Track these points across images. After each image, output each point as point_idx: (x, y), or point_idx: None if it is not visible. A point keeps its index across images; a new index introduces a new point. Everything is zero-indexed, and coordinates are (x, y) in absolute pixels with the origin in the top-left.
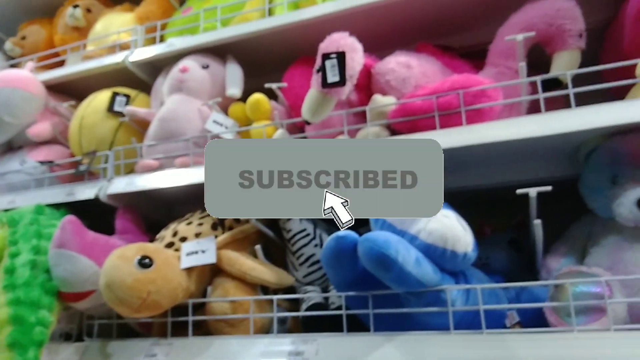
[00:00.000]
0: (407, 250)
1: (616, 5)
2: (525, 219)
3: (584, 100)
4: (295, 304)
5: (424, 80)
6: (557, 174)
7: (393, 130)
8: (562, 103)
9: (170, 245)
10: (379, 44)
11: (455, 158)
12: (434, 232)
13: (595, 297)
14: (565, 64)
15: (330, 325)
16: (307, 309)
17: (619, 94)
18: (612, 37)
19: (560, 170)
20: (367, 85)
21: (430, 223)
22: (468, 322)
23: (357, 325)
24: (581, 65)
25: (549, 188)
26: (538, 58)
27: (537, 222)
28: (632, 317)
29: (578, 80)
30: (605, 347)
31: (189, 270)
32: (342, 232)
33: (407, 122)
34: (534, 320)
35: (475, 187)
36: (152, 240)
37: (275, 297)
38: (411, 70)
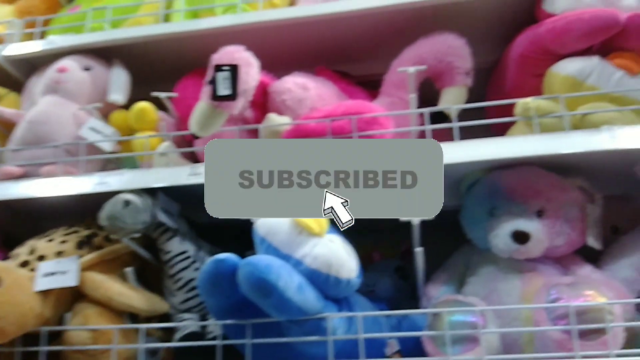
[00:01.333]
0: (289, 275)
1: (502, 48)
2: (413, 247)
3: (471, 135)
4: (171, 334)
5: (320, 103)
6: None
7: None
8: (450, 136)
9: (25, 264)
10: (278, 64)
11: None
12: (319, 257)
13: (469, 326)
14: (452, 99)
15: (207, 356)
16: (181, 339)
17: (502, 131)
18: (496, 78)
19: (445, 200)
20: (264, 104)
21: (316, 248)
22: (349, 350)
23: (237, 356)
24: (469, 102)
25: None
26: (432, 92)
27: (419, 250)
28: (505, 347)
29: (466, 115)
30: None
31: (45, 293)
32: (221, 255)
33: None
34: (415, 349)
35: None
36: (6, 257)
37: (143, 325)
38: (308, 92)
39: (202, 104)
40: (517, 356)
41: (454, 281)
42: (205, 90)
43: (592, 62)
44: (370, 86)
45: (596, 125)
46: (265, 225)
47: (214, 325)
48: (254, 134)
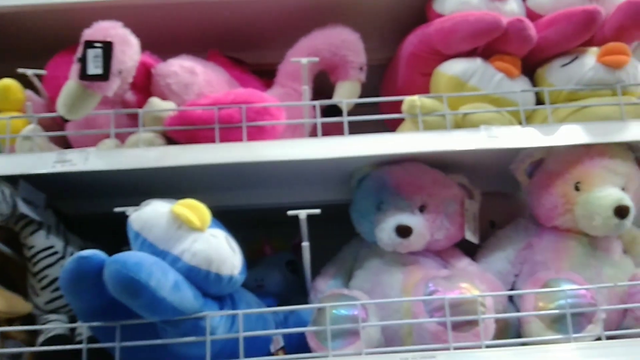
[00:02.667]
0: (163, 273)
1: (396, 45)
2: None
3: (366, 130)
4: (36, 337)
5: (208, 89)
6: (337, 198)
7: (170, 138)
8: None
9: None
10: (166, 45)
11: (235, 174)
12: (199, 253)
13: (351, 320)
14: (345, 93)
15: None
16: (44, 343)
17: (397, 127)
18: (389, 75)
19: (338, 194)
20: (147, 87)
21: (196, 243)
22: (232, 349)
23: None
24: (364, 97)
25: (317, 211)
26: (329, 85)
27: (305, 245)
28: (387, 339)
29: (363, 111)
30: None
31: None
32: (85, 252)
33: (185, 131)
34: (301, 344)
35: (259, 206)
36: None
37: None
38: (195, 77)
39: (71, 84)
40: (394, 349)
41: (342, 275)
42: (75, 69)
43: (475, 64)
44: (268, 76)
45: (476, 125)
46: (140, 219)
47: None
48: (134, 119)
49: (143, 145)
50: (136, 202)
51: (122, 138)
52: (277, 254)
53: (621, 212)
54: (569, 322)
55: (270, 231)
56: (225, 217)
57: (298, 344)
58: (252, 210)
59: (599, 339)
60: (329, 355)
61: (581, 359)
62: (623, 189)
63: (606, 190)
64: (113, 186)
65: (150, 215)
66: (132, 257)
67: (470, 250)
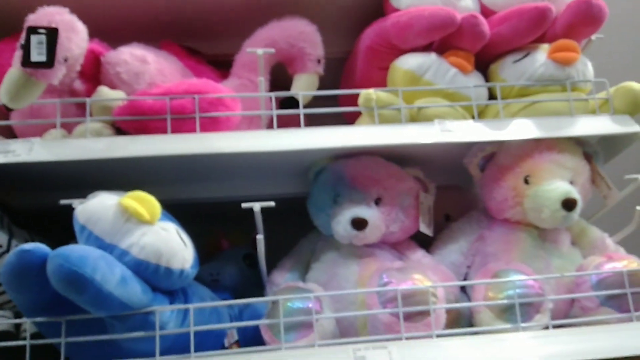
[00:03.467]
0: (109, 267)
1: (354, 38)
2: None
3: (325, 124)
4: None
5: (160, 79)
6: (294, 191)
7: (119, 129)
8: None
9: None
10: (117, 33)
11: (188, 167)
12: (148, 246)
13: (305, 313)
14: (302, 86)
15: (21, 357)
16: None
17: (354, 121)
18: (348, 68)
19: (296, 187)
20: (96, 75)
21: (145, 237)
22: (184, 344)
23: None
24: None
25: (272, 203)
26: (287, 78)
27: (260, 238)
28: (342, 331)
29: (321, 104)
30: None
31: None
32: (27, 245)
33: (135, 121)
34: (256, 338)
35: (214, 200)
36: None
37: None
38: (146, 66)
39: (13, 71)
40: (346, 340)
41: (299, 268)
42: (17, 55)
43: (430, 59)
44: (224, 66)
45: (430, 119)
46: (86, 212)
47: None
48: (82, 108)
49: (91, 136)
50: (84, 195)
51: (69, 128)
52: (234, 248)
53: (568, 204)
54: (517, 312)
55: (227, 226)
56: (179, 211)
57: (253, 338)
58: (208, 204)
59: (546, 328)
60: (282, 348)
61: (529, 347)
62: (571, 183)
63: (554, 184)
64: (59, 178)
65: (96, 207)
66: (75, 250)
67: (425, 243)
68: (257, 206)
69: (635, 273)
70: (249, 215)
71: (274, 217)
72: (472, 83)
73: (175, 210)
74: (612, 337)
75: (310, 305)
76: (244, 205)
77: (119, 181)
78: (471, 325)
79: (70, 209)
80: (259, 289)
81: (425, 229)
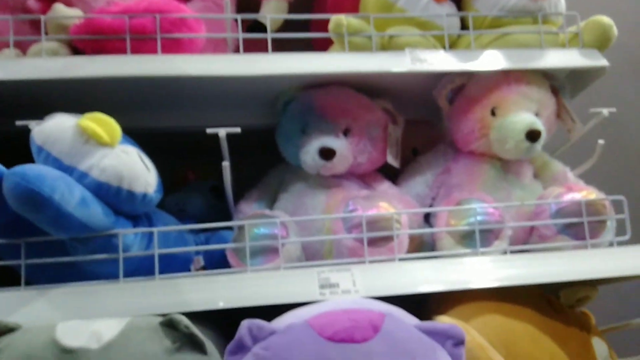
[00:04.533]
0: (69, 188)
1: None
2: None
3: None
4: None
5: None
6: (263, 122)
7: (75, 48)
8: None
9: None
10: None
11: (149, 91)
12: (108, 168)
13: (271, 238)
14: (271, 10)
15: None
16: None
17: (326, 49)
18: None
19: (264, 118)
20: None
21: (105, 159)
22: (149, 269)
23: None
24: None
25: (237, 129)
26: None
27: (226, 164)
28: (309, 258)
29: (291, 30)
30: (276, 285)
31: None
32: None
33: (92, 40)
34: (223, 266)
35: (181, 129)
36: None
37: None
38: None
39: None
40: (310, 263)
41: (267, 198)
42: None
43: None
44: None
45: (401, 48)
46: (43, 133)
47: None
48: (37, 27)
49: (46, 55)
50: (40, 118)
51: (23, 49)
52: (201, 181)
53: (532, 135)
54: (477, 238)
55: (194, 158)
56: (143, 141)
57: (219, 265)
58: (173, 135)
59: (505, 253)
60: (247, 271)
61: (487, 270)
62: (536, 115)
63: (520, 115)
64: (14, 100)
65: (54, 128)
66: (32, 169)
67: (393, 178)
68: (222, 132)
69: (593, 203)
70: (217, 149)
71: (242, 151)
72: (445, 12)
73: (139, 139)
74: (567, 262)
75: (276, 231)
76: (209, 130)
77: (77, 106)
78: None
79: (26, 132)
80: (226, 220)
81: (393, 161)
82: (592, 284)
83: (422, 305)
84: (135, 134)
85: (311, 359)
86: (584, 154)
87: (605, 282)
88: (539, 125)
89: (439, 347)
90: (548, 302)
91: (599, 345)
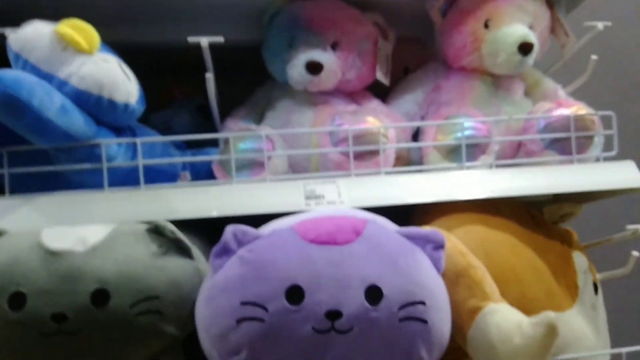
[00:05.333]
0: (48, 95)
1: None
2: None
3: None
4: None
5: None
6: (249, 37)
7: None
8: None
9: None
10: None
11: (135, 3)
12: (88, 76)
13: (257, 152)
14: None
15: None
16: None
17: None
18: None
19: (250, 34)
20: None
21: (85, 66)
22: (135, 182)
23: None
24: None
25: (220, 39)
26: None
27: (209, 76)
28: (294, 168)
29: None
30: (262, 196)
31: None
32: None
33: None
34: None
35: (165, 45)
36: None
37: None
38: None
39: None
40: (296, 175)
41: (254, 116)
42: None
43: None
44: None
45: None
46: (20, 39)
47: None
48: None
49: None
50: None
51: None
52: (187, 99)
53: (524, 48)
54: (463, 152)
55: (180, 76)
56: (127, 56)
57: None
58: (158, 51)
59: (490, 167)
60: (232, 183)
61: (472, 183)
62: (530, 28)
63: (513, 27)
64: None
65: (31, 35)
66: (9, 73)
67: (383, 98)
68: (204, 41)
69: (582, 118)
70: (203, 67)
71: (229, 70)
72: None
73: (123, 55)
74: (552, 176)
75: (261, 144)
76: (190, 39)
77: (56, 19)
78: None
79: (2, 40)
80: (212, 140)
81: (382, 78)
82: (576, 200)
83: (406, 220)
84: (119, 50)
85: (294, 259)
86: (576, 72)
87: (590, 199)
88: (531, 37)
89: (419, 250)
90: (531, 217)
91: (579, 259)
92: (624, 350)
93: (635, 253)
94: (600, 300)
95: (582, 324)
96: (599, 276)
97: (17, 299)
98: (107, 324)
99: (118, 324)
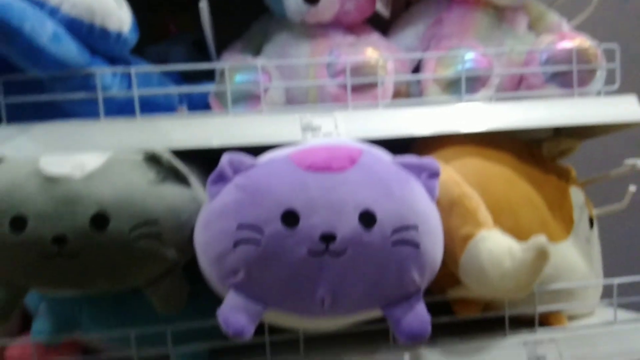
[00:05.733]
0: (40, 21)
1: None
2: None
3: None
4: None
5: None
6: None
7: None
8: None
9: None
10: None
11: None
12: (79, 4)
13: (254, 84)
14: None
15: None
16: None
17: None
18: None
19: None
20: None
21: None
22: (131, 112)
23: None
24: None
25: None
26: None
27: (203, 4)
28: (292, 102)
29: None
30: (258, 127)
31: None
32: None
33: None
34: None
35: None
36: None
37: None
38: None
39: None
40: (292, 107)
41: (251, 49)
42: None
43: None
44: None
45: None
46: None
47: None
48: None
49: None
50: None
51: None
52: (183, 33)
53: None
54: (462, 84)
55: (175, 11)
56: None
57: None
58: None
59: (490, 101)
60: (229, 115)
61: (471, 116)
62: None
63: None
64: None
65: None
66: None
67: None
68: None
69: (584, 51)
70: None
71: (224, 5)
72: None
73: None
74: (552, 109)
75: (258, 77)
76: None
77: None
78: None
79: None
80: (209, 75)
81: (382, 9)
82: (577, 136)
83: (404, 153)
84: None
85: (289, 185)
86: (581, 5)
87: (590, 134)
88: None
89: (413, 179)
90: (530, 152)
91: (576, 194)
92: (616, 281)
93: (632, 188)
94: (596, 235)
95: (576, 256)
96: (595, 212)
97: (18, 222)
98: (107, 247)
99: (118, 247)
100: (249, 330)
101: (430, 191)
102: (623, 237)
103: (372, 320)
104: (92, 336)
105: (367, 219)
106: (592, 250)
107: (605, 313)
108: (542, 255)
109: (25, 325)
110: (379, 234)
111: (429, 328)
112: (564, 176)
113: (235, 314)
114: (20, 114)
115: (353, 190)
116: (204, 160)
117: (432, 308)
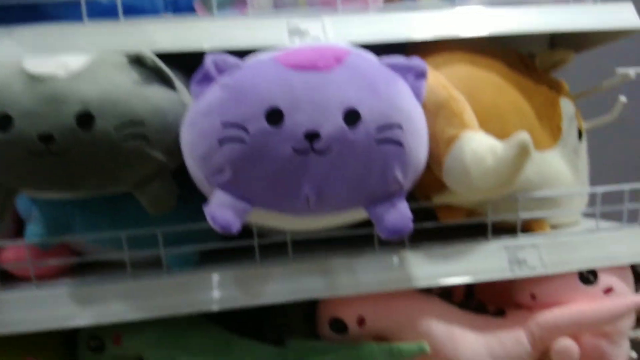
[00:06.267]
0: None
1: None
2: None
3: None
4: None
5: None
6: None
7: None
8: None
9: None
10: None
11: None
12: None
13: None
14: None
15: None
16: None
17: None
18: None
19: None
20: None
21: None
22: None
23: None
24: None
25: None
26: None
27: None
28: (278, 4)
29: None
30: (244, 30)
31: None
32: None
33: None
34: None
35: None
36: None
37: None
38: None
39: None
40: (280, 10)
41: None
42: None
43: None
44: None
45: None
46: None
47: None
48: None
49: None
50: None
51: None
52: None
53: None
54: None
55: None
56: None
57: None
58: None
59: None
60: (214, 16)
61: (463, 20)
62: None
63: None
64: None
65: None
66: None
67: None
68: None
69: None
70: None
71: None
72: None
73: None
74: (547, 15)
75: None
76: None
77: None
78: None
79: None
80: None
81: None
82: (572, 47)
83: None
84: None
85: (273, 83)
86: None
87: (585, 44)
88: None
89: (400, 79)
90: (523, 62)
91: (566, 105)
92: (600, 189)
93: (622, 98)
94: (584, 147)
95: (562, 165)
96: (586, 125)
97: (4, 121)
98: (95, 146)
99: (105, 147)
100: (236, 225)
101: (417, 92)
102: (613, 151)
103: (358, 224)
104: (84, 237)
105: (352, 117)
106: (579, 161)
107: (588, 224)
108: (523, 152)
109: (19, 231)
110: (364, 132)
111: (410, 224)
112: (555, 87)
113: (222, 209)
114: (4, 18)
115: (338, 89)
116: (189, 68)
117: (417, 214)
